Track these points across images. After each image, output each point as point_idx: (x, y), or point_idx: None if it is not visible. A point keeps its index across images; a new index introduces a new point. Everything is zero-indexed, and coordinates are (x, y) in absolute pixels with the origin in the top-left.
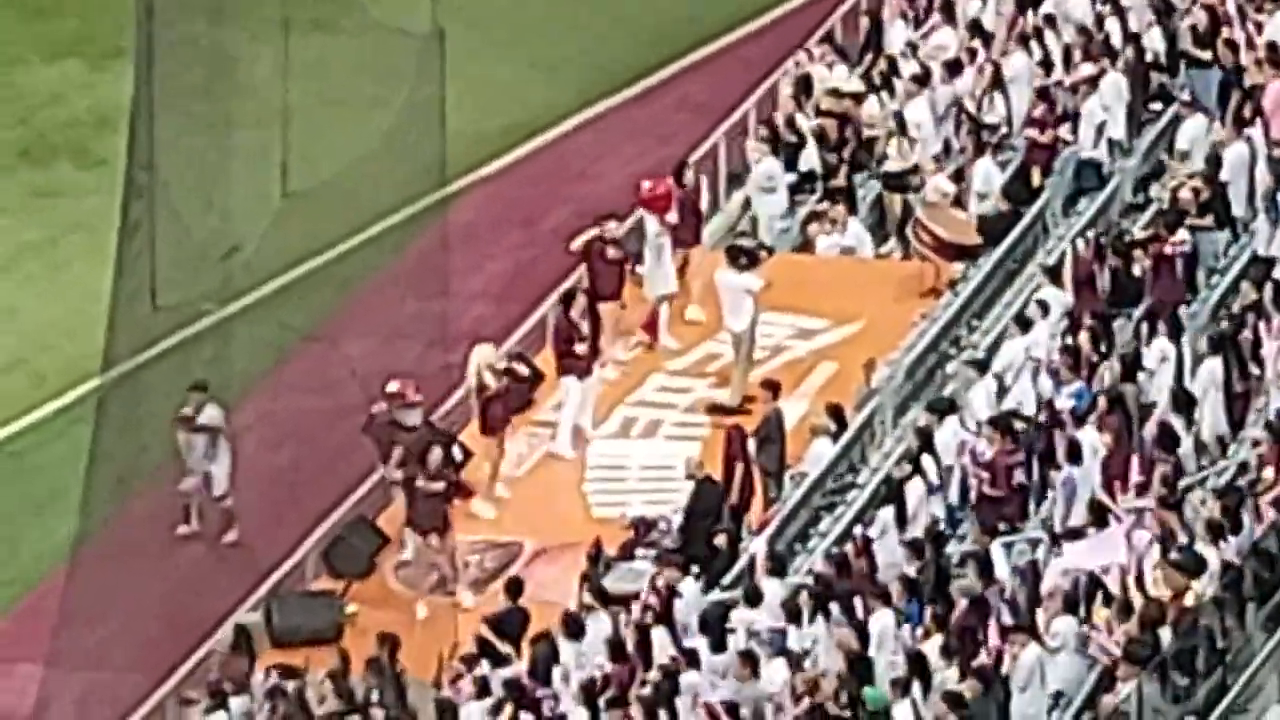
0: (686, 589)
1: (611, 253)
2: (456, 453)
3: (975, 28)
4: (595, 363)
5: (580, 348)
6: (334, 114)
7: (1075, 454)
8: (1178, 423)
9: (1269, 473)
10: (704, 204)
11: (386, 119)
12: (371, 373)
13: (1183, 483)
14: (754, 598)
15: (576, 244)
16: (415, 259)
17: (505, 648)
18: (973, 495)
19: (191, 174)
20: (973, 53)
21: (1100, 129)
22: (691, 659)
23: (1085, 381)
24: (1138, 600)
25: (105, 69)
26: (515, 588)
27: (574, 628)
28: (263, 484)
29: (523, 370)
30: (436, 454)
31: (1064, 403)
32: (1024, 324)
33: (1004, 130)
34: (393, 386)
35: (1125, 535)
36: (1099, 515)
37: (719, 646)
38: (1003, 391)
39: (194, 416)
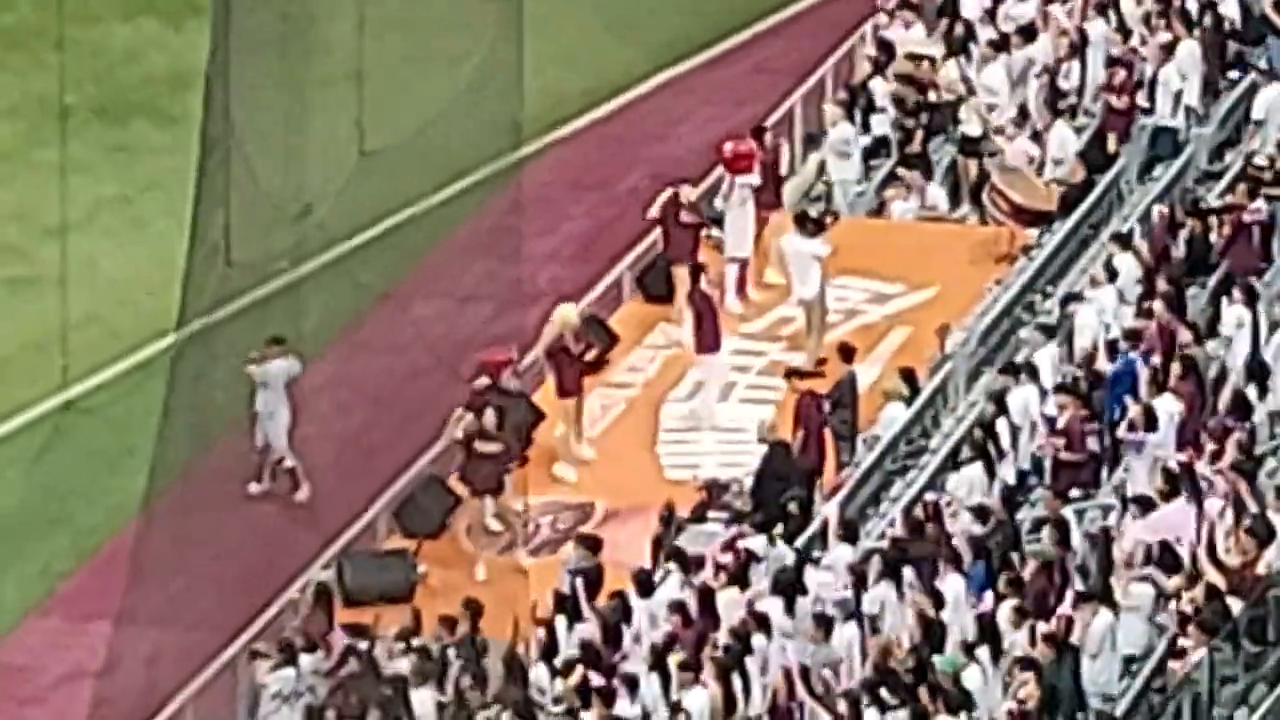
0: (760, 551)
1: (686, 217)
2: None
3: None
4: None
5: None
6: (410, 73)
7: (1151, 421)
8: (1252, 390)
9: None
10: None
11: (463, 79)
12: (445, 333)
13: (1257, 450)
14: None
15: (654, 210)
16: (490, 220)
17: (582, 605)
18: (1047, 461)
19: (267, 132)
20: (1050, 18)
21: (1177, 96)
22: (762, 622)
23: (1157, 348)
24: (1209, 568)
25: (182, 27)
26: (592, 544)
27: (645, 586)
28: (336, 443)
29: (600, 339)
30: (490, 416)
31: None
32: (1097, 287)
33: (1080, 96)
34: (497, 352)
35: (1195, 506)
36: (1173, 483)
37: (790, 609)
38: (1073, 357)
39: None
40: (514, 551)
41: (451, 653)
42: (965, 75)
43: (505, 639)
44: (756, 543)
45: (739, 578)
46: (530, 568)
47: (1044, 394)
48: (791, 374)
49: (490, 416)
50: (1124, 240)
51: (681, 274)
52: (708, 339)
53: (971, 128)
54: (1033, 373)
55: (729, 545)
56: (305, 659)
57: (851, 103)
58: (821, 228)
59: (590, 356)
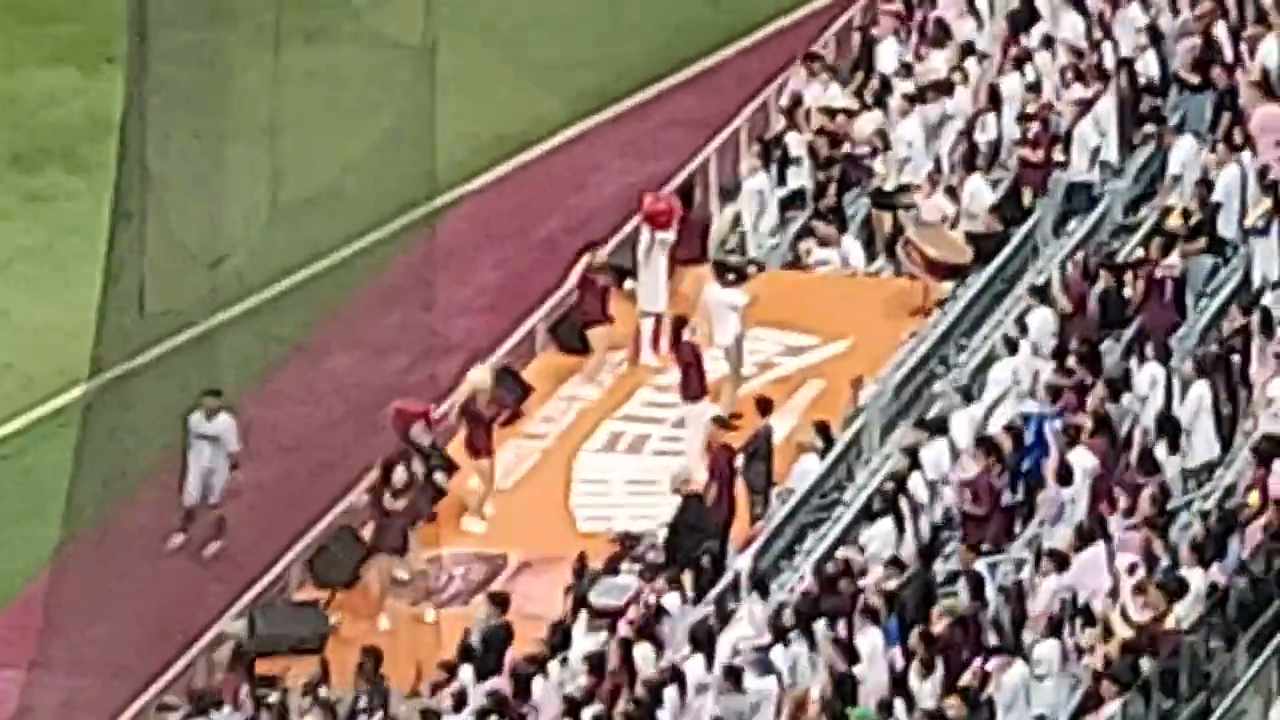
0: (673, 604)
1: (600, 280)
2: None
3: (969, 48)
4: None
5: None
6: (326, 124)
7: (1066, 476)
8: (1164, 446)
9: (1254, 497)
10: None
11: (378, 129)
12: (359, 384)
13: (1170, 505)
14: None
15: (573, 277)
16: (404, 270)
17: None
18: (956, 514)
19: (182, 181)
20: (966, 73)
21: (1092, 151)
22: (675, 675)
23: (1071, 403)
24: (1120, 622)
25: (99, 75)
26: (501, 601)
27: (561, 640)
28: (248, 494)
29: (513, 391)
30: (401, 473)
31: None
32: (1011, 345)
33: (996, 150)
34: (413, 404)
35: (1108, 557)
36: (1087, 537)
37: (710, 664)
38: (987, 413)
39: (207, 420)
40: (424, 603)
41: (362, 703)
42: (880, 129)
43: (407, 688)
44: (670, 599)
45: (649, 631)
46: (440, 618)
47: (955, 451)
48: (718, 422)
49: (401, 473)
50: (1040, 294)
51: (596, 333)
52: (694, 387)
53: (886, 181)
54: (944, 428)
55: (640, 598)
56: (216, 714)
57: (767, 155)
58: (742, 278)
59: (500, 419)
